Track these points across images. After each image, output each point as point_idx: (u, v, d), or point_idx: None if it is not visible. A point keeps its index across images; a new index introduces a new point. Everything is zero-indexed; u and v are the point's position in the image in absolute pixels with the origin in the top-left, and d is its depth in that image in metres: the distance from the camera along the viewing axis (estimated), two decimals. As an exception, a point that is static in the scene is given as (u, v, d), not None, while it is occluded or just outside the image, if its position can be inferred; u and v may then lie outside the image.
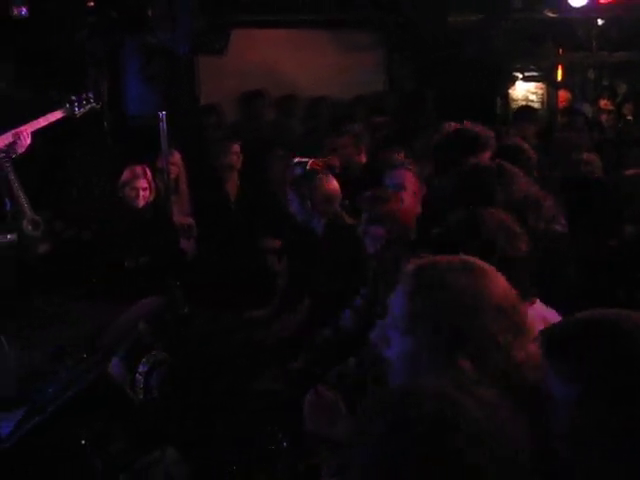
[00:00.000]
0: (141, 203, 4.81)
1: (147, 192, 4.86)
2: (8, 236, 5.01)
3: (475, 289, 1.44)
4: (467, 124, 5.66)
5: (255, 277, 5.12)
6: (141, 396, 2.81)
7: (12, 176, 4.87)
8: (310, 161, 4.84)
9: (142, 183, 4.86)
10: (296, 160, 4.90)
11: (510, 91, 8.31)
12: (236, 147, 5.71)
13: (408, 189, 3.86)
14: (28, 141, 4.05)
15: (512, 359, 1.40)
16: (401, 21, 7.48)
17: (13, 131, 3.99)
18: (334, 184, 4.17)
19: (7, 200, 4.95)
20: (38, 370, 3.79)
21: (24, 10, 5.36)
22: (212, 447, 2.48)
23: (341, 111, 7.16)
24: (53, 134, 4.59)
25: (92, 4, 5.60)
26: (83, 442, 2.77)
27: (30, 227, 5.11)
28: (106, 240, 4.89)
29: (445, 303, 1.43)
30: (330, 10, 7.38)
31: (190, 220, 5.33)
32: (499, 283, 1.49)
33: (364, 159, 5.62)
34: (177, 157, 5.38)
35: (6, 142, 4.02)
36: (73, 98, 4.22)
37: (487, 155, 3.65)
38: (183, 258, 5.00)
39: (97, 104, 4.34)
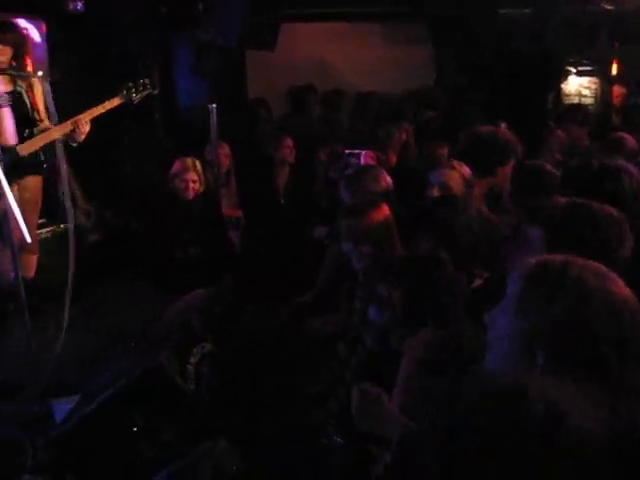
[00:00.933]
0: (191, 195, 4.85)
1: (197, 184, 4.90)
2: (62, 225, 5.14)
3: (606, 292, 1.44)
4: (503, 127, 5.62)
5: (302, 271, 5.13)
6: (192, 387, 2.85)
7: (66, 167, 4.99)
8: (363, 152, 4.82)
9: (192, 175, 4.91)
10: (348, 151, 4.89)
11: (562, 86, 8.15)
12: (289, 141, 5.75)
13: (453, 189, 3.82)
14: (87, 128, 4.11)
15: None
16: (450, 15, 7.38)
17: (72, 119, 4.05)
18: (387, 179, 4.15)
19: (61, 190, 5.07)
20: (91, 357, 3.90)
21: (80, 5, 5.47)
22: (263, 441, 2.50)
23: (389, 106, 7.11)
24: (105, 127, 4.65)
25: (143, -1, 5.69)
26: (134, 430, 2.83)
27: (83, 217, 5.24)
28: (155, 231, 4.96)
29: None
30: (379, 3, 7.33)
31: (239, 212, 5.37)
32: (621, 285, 1.48)
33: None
34: (226, 150, 5.42)
35: (66, 130, 4.08)
36: (130, 84, 4.27)
37: (512, 163, 3.65)
38: (231, 250, 5.04)
39: (153, 90, 4.36)
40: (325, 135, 6.49)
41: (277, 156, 5.79)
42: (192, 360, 2.92)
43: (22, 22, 5.48)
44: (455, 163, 3.87)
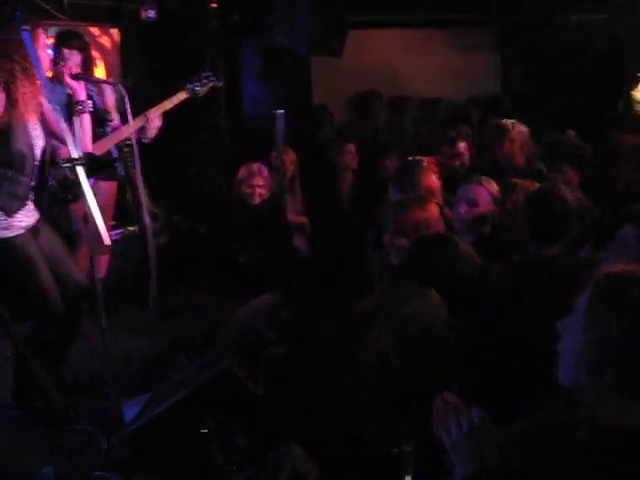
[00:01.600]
0: (257, 200, 4.91)
1: (263, 190, 4.96)
2: (130, 228, 5.26)
3: None
4: (570, 134, 5.48)
5: (365, 277, 5.12)
6: (261, 391, 2.86)
7: (135, 169, 5.10)
8: (425, 159, 4.79)
9: (258, 181, 4.96)
10: (410, 158, 4.86)
11: (633, 92, 7.91)
12: (351, 147, 5.76)
13: (481, 206, 3.76)
14: (158, 123, 4.20)
15: None
16: (516, 21, 7.28)
17: (143, 114, 4.14)
18: (433, 179, 4.12)
19: (129, 193, 5.19)
20: (160, 359, 3.98)
21: (152, 13, 5.61)
22: (333, 447, 2.49)
23: (454, 112, 7.04)
24: (172, 131, 4.74)
25: (215, 6, 5.78)
26: (204, 432, 2.86)
27: (150, 219, 5.34)
28: (221, 235, 5.02)
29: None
30: (444, 10, 7.27)
31: (303, 218, 5.40)
32: None
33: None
34: (292, 155, 5.46)
35: (137, 126, 4.17)
36: (194, 79, 4.33)
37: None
38: (296, 256, 5.07)
39: (217, 82, 4.41)
40: (390, 141, 6.48)
41: (340, 162, 5.81)
42: (261, 365, 2.94)
43: (95, 30, 5.66)
44: (484, 179, 3.83)
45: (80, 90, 3.08)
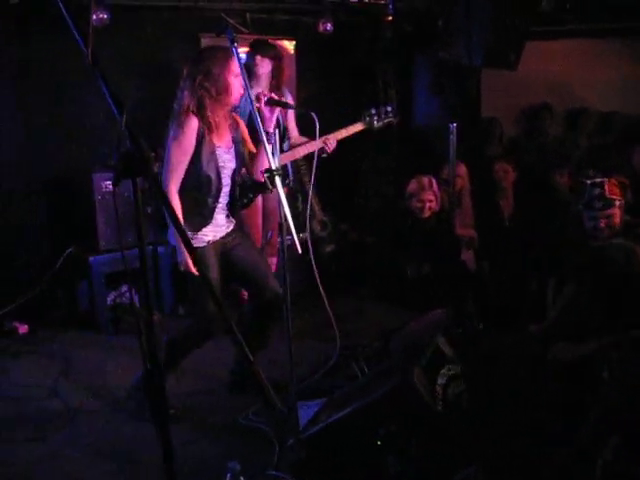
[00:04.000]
0: (427, 214, 4.90)
1: (433, 203, 4.95)
2: (300, 235, 5.42)
3: None
4: None
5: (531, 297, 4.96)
6: (440, 408, 2.84)
7: (308, 179, 5.27)
8: (607, 181, 4.56)
9: (429, 195, 4.96)
10: (590, 181, 4.64)
11: None
12: (504, 166, 5.60)
13: None
14: (334, 147, 4.30)
15: None
16: None
17: (323, 137, 4.26)
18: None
19: (301, 200, 5.36)
20: (329, 364, 4.06)
21: (329, 26, 5.76)
22: (514, 469, 2.43)
23: (634, 127, 6.65)
24: (344, 144, 4.81)
25: (390, 19, 5.84)
26: (379, 443, 2.88)
27: (318, 227, 5.49)
28: (389, 247, 5.06)
29: None
30: (618, 18, 6.88)
31: (472, 232, 5.32)
32: None
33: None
34: (463, 169, 5.41)
35: (316, 147, 4.30)
36: (373, 112, 4.37)
37: None
38: (464, 270, 5.00)
39: (395, 118, 4.45)
40: (561, 156, 6.23)
41: (497, 179, 5.67)
42: (440, 381, 2.92)
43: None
44: None
45: (270, 122, 3.21)
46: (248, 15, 5.78)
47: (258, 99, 3.12)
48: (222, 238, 3.51)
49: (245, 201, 4.38)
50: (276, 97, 3.27)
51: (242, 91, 3.34)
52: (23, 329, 4.83)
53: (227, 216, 3.55)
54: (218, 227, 3.49)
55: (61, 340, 4.74)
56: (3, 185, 5.02)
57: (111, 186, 4.87)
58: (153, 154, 1.49)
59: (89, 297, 4.99)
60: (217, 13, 5.52)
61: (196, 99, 3.25)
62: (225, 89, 3.28)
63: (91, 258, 4.84)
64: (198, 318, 3.53)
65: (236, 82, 3.31)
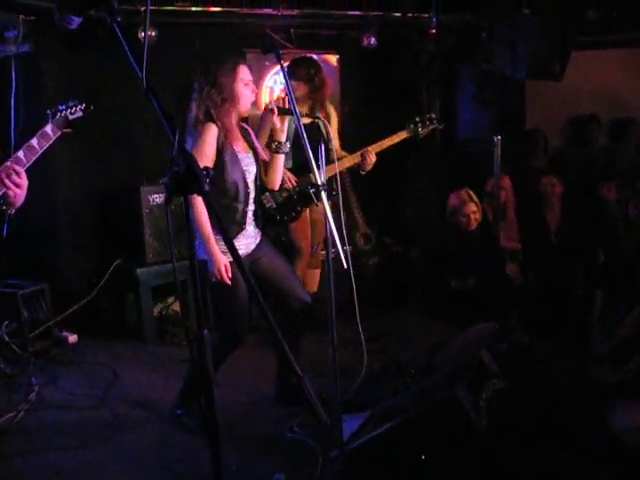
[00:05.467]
0: (473, 226, 4.88)
1: (477, 214, 4.93)
2: (345, 247, 5.43)
3: None
4: None
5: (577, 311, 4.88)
6: (484, 424, 2.82)
7: (351, 191, 5.27)
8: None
9: (471, 207, 4.93)
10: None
11: None
12: (551, 179, 5.51)
13: None
14: (373, 159, 4.28)
15: None
16: None
17: (361, 150, 4.26)
18: None
19: (343, 213, 5.36)
20: (372, 377, 4.04)
21: (373, 40, 5.80)
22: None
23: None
24: (388, 155, 4.82)
25: (434, 32, 5.85)
26: (423, 458, 2.87)
27: (362, 240, 5.49)
28: (433, 260, 5.04)
29: None
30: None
31: (516, 244, 5.26)
32: None
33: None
34: (507, 182, 5.36)
35: (356, 160, 4.30)
36: (417, 119, 4.36)
37: None
38: (509, 283, 4.94)
39: (439, 125, 4.43)
40: (608, 168, 6.13)
41: (544, 190, 5.59)
42: (484, 396, 2.90)
43: (315, 57, 5.94)
44: None
45: (282, 133, 3.23)
46: (292, 31, 5.85)
47: (265, 109, 3.11)
48: (252, 252, 3.48)
49: (294, 214, 4.42)
50: (282, 105, 3.26)
51: (254, 99, 3.36)
52: (72, 339, 4.95)
53: (255, 226, 3.53)
54: (249, 238, 3.47)
55: (109, 350, 4.84)
56: (56, 198, 5.18)
57: (158, 200, 4.98)
58: (205, 172, 1.51)
59: (136, 308, 5.09)
60: (262, 29, 5.60)
61: (203, 109, 3.24)
62: (231, 97, 3.26)
63: (138, 270, 4.95)
64: (224, 330, 3.51)
65: (246, 90, 3.29)
